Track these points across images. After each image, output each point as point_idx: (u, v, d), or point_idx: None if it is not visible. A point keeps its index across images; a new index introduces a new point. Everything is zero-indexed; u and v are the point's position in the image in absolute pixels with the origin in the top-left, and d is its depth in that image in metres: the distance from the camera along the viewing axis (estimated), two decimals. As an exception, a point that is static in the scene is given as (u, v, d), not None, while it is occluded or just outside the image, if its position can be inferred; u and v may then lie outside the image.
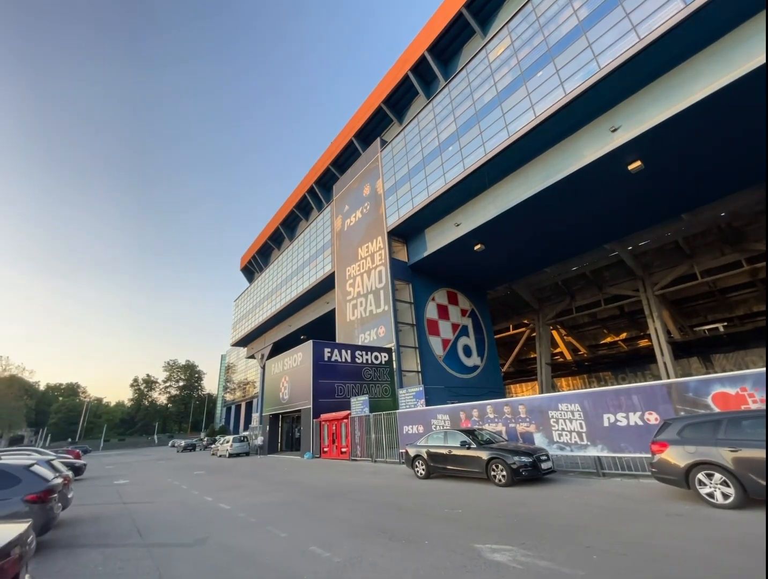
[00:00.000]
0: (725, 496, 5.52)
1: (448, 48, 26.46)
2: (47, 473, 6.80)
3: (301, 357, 23.97)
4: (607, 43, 15.79)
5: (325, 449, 19.92)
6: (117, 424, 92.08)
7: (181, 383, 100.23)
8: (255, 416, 43.21)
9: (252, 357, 60.30)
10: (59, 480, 6.89)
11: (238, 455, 26.36)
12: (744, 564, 3.70)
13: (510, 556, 4.25)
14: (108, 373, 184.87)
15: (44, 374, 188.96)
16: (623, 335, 38.44)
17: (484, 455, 8.99)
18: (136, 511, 8.77)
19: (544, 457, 8.76)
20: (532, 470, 8.38)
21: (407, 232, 27.21)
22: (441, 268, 27.85)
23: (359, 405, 18.94)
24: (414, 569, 4.12)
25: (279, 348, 44.64)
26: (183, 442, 44.55)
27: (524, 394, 42.66)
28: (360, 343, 27.02)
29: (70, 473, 9.06)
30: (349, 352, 24.10)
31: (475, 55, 22.02)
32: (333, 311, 33.05)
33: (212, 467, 19.48)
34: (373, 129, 33.44)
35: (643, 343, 36.06)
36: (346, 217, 33.07)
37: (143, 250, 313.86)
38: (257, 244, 57.56)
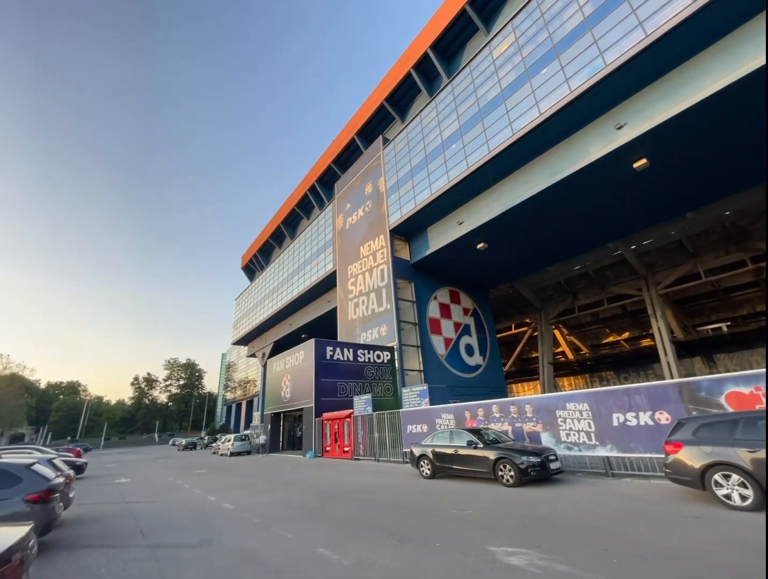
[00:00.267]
0: (743, 497, 5.38)
1: (451, 45, 26.28)
2: (48, 472, 6.67)
3: (303, 355, 23.85)
4: (613, 39, 15.62)
5: (328, 448, 19.82)
6: (117, 423, 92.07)
7: (181, 382, 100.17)
8: (256, 415, 43.15)
9: (253, 356, 60.24)
10: (61, 479, 6.76)
11: (239, 454, 26.27)
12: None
13: (526, 559, 4.13)
14: (108, 371, 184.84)
15: (45, 373, 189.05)
16: (625, 335, 38.31)
17: (492, 455, 8.86)
18: (138, 510, 8.65)
19: (552, 457, 8.63)
20: (540, 470, 8.26)
21: (409, 230, 27.07)
22: (443, 266, 27.72)
23: (362, 404, 18.83)
24: (428, 573, 3.99)
25: (280, 347, 44.53)
26: (184, 441, 44.44)
27: (526, 394, 42.55)
28: (361, 342, 26.90)
29: (71, 472, 8.93)
30: (351, 350, 23.98)
31: (478, 52, 21.86)
32: (334, 310, 32.92)
33: (214, 466, 19.37)
34: (375, 127, 33.27)
35: (645, 342, 35.94)
36: (347, 216, 32.93)
37: (144, 249, 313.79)
38: (258, 243, 57.44)
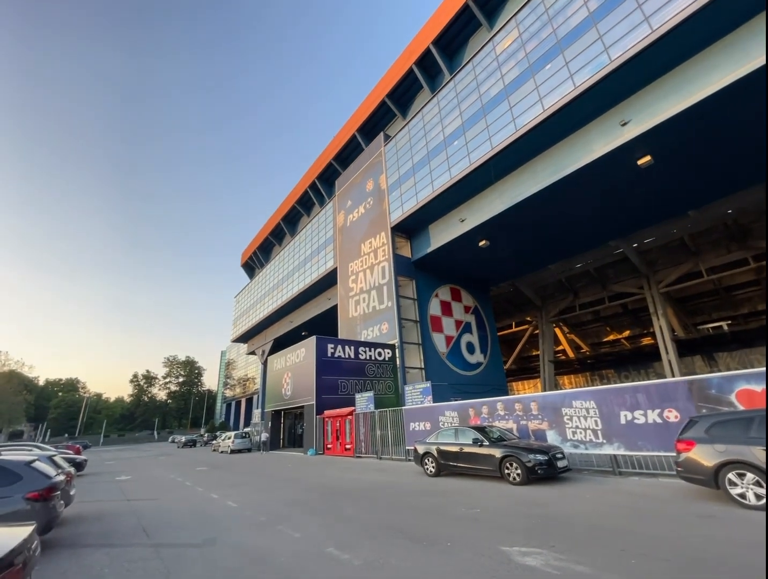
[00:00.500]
0: (758, 497, 5.29)
1: (453, 41, 26.08)
2: (49, 470, 6.55)
3: (304, 353, 23.74)
4: (618, 35, 15.47)
5: (329, 446, 19.73)
6: (117, 420, 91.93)
7: (180, 379, 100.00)
8: (256, 412, 43.00)
9: (252, 353, 60.10)
10: (62, 477, 6.64)
11: (239, 451, 26.18)
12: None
13: (542, 560, 4.02)
14: (108, 369, 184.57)
15: (44, 370, 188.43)
16: (626, 333, 38.27)
17: (498, 453, 8.77)
18: (140, 508, 8.54)
19: (559, 455, 8.54)
20: (547, 469, 8.17)
21: (411, 227, 26.92)
22: (445, 264, 27.60)
23: (364, 401, 18.74)
24: (443, 574, 3.89)
25: (280, 344, 44.44)
26: (183, 438, 44.38)
27: (526, 392, 42.53)
28: (362, 340, 26.80)
29: (72, 469, 8.82)
30: (352, 348, 23.87)
31: (481, 48, 21.67)
32: (335, 307, 32.79)
33: (215, 463, 19.27)
34: (376, 123, 33.07)
35: (646, 341, 35.89)
36: (348, 213, 32.76)
37: (143, 246, 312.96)
38: (258, 240, 57.20)
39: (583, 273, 34.19)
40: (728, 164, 18.34)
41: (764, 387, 6.89)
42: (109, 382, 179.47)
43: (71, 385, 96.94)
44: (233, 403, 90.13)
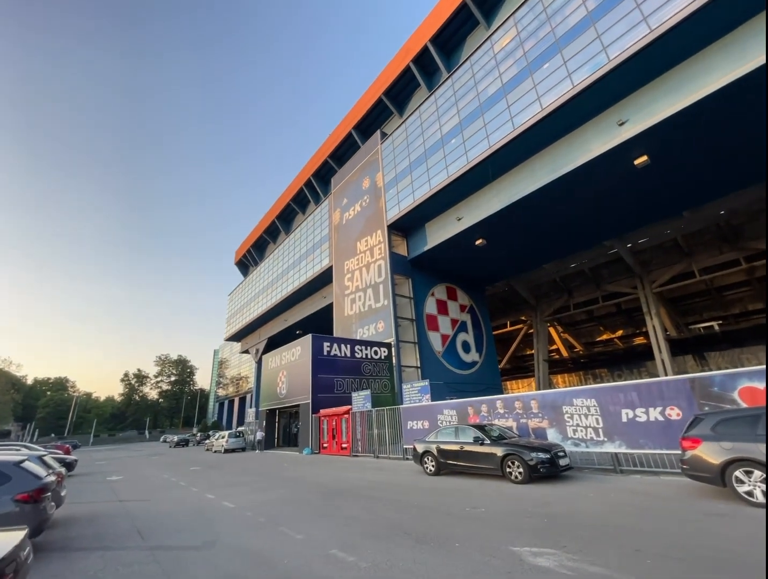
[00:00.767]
0: (766, 494, 5.26)
1: (451, 39, 26.01)
2: (39, 470, 6.31)
3: (299, 351, 23.51)
4: (616, 34, 15.50)
5: (325, 445, 19.55)
6: (107, 419, 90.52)
7: (172, 378, 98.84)
8: (249, 411, 42.67)
9: (246, 352, 59.58)
10: (52, 477, 6.41)
11: (233, 451, 25.85)
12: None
13: (555, 560, 3.93)
14: (98, 368, 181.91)
15: (32, 368, 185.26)
16: (619, 332, 38.62)
17: (499, 451, 8.69)
18: (133, 509, 8.31)
19: (561, 454, 8.49)
20: (550, 467, 8.10)
21: (407, 226, 26.82)
22: (441, 263, 27.56)
23: (361, 400, 18.59)
24: (453, 577, 3.77)
25: (274, 343, 44.06)
26: (175, 438, 43.73)
27: (520, 391, 42.68)
28: (358, 338, 26.64)
29: (63, 470, 8.55)
30: (348, 346, 23.70)
31: (479, 47, 21.62)
32: (330, 306, 32.58)
33: (209, 463, 18.98)
34: (373, 121, 32.88)
35: (638, 340, 36.23)
36: (344, 211, 32.55)
37: (134, 244, 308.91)
38: (252, 238, 56.68)
39: (577, 273, 34.42)
40: (723, 165, 18.50)
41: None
42: (100, 381, 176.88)
43: (60, 384, 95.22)
44: (226, 403, 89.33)
